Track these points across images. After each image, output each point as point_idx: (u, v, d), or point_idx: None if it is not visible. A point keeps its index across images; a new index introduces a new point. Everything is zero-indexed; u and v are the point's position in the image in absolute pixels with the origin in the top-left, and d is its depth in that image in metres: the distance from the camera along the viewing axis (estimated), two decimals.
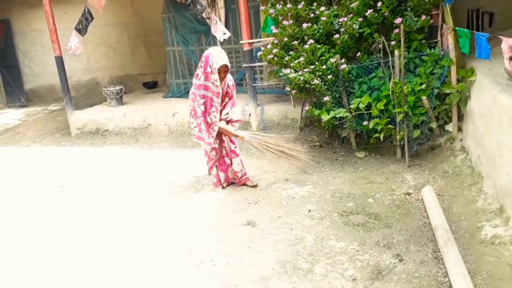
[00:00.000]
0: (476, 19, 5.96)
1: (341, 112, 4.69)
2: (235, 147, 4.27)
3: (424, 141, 4.66)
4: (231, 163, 4.27)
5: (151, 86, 9.13)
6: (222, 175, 4.29)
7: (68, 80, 7.16)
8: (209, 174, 4.38)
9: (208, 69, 3.81)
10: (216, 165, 4.25)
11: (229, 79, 4.08)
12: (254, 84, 6.04)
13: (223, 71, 3.83)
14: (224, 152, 4.25)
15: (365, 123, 4.63)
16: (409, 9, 4.64)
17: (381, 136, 4.54)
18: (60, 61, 6.94)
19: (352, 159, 4.85)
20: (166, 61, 7.93)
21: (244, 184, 4.32)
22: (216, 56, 3.79)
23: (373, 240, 3.15)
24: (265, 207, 3.83)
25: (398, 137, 4.54)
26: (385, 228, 3.31)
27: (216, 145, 4.14)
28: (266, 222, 3.54)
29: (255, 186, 4.28)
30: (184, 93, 7.79)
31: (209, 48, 3.99)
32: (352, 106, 4.69)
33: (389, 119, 4.54)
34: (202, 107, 3.91)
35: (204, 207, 3.98)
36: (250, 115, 6.09)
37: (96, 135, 6.95)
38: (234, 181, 4.38)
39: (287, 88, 5.25)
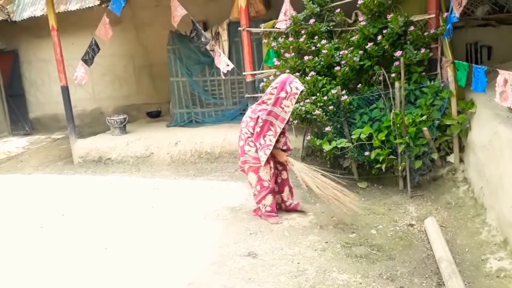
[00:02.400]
0: (475, 52, 6.07)
1: (342, 142, 4.72)
2: (287, 179, 4.25)
3: (426, 172, 4.65)
4: (280, 191, 4.26)
5: (154, 115, 9.23)
6: (270, 199, 4.13)
7: (72, 109, 7.26)
8: (257, 205, 4.20)
9: (283, 94, 3.81)
10: (271, 194, 4.11)
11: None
12: None
13: (294, 97, 3.83)
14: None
15: (366, 153, 4.64)
16: (408, 42, 4.75)
17: (383, 166, 4.55)
18: (65, 91, 7.06)
19: (354, 190, 4.82)
20: (170, 91, 8.06)
21: (295, 210, 4.28)
22: (295, 81, 3.83)
23: (376, 272, 3.10)
24: (266, 238, 3.79)
25: (400, 168, 4.54)
26: (388, 260, 3.26)
27: (269, 172, 4.03)
28: (267, 253, 3.50)
29: (303, 211, 4.24)
30: (187, 122, 7.88)
31: (282, 75, 4.06)
32: (353, 137, 4.72)
33: (390, 150, 4.55)
34: (258, 129, 3.92)
35: (204, 237, 3.94)
36: None
37: (99, 164, 6.97)
38: (280, 208, 4.30)
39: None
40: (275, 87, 3.88)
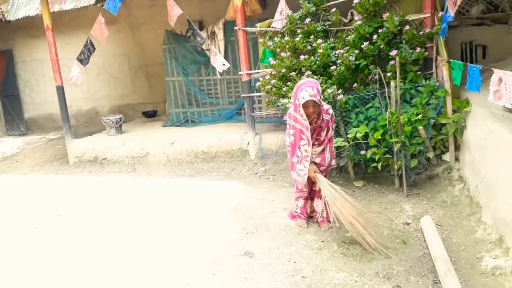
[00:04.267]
0: (470, 51, 6.10)
1: (338, 142, 4.72)
2: (319, 191, 3.87)
3: (421, 170, 4.67)
4: (312, 200, 4.01)
5: (150, 115, 9.22)
6: (301, 203, 3.98)
7: (68, 109, 7.22)
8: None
9: (296, 101, 3.56)
10: (303, 199, 3.97)
11: (326, 112, 3.66)
12: (252, 114, 6.10)
13: (311, 105, 3.49)
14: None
15: (362, 152, 4.66)
16: (404, 41, 4.77)
17: (379, 165, 4.56)
18: (61, 91, 7.02)
19: (351, 188, 4.84)
20: (166, 90, 8.04)
21: (320, 223, 3.93)
22: (305, 90, 3.44)
23: (373, 271, 3.11)
24: (263, 237, 3.79)
25: (395, 167, 4.56)
26: (385, 259, 3.27)
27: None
28: (264, 253, 3.50)
29: (328, 228, 3.84)
30: (183, 122, 7.87)
31: (304, 79, 3.88)
32: (349, 136, 4.73)
33: (386, 149, 4.57)
34: (292, 138, 3.70)
35: (201, 236, 3.94)
36: (248, 144, 6.12)
37: (94, 164, 6.95)
38: (311, 216, 4.05)
39: (285, 118, 5.30)
40: (294, 91, 3.66)
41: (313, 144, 3.67)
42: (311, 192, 4.02)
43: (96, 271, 3.45)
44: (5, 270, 3.61)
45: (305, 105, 3.49)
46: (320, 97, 3.53)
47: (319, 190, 3.81)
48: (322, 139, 3.72)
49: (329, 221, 3.78)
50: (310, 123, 3.59)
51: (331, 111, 3.72)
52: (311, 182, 3.91)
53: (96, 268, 3.51)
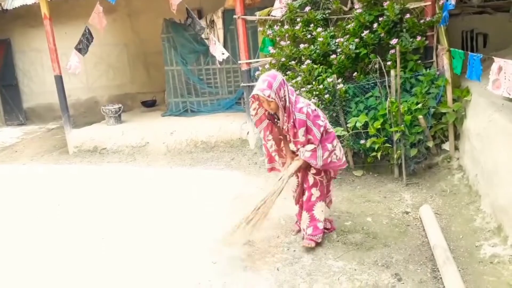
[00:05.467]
0: (470, 40, 6.06)
1: (338, 131, 4.71)
2: (306, 201, 3.40)
3: (421, 160, 4.67)
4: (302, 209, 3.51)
5: (149, 104, 9.19)
6: (297, 208, 3.60)
7: (67, 99, 7.20)
8: None
9: None
10: (296, 203, 3.60)
11: (299, 111, 3.12)
12: None
13: (265, 101, 3.08)
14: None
15: (362, 141, 4.65)
16: (404, 30, 4.73)
17: (379, 154, 4.56)
18: (59, 80, 6.99)
19: (350, 178, 4.85)
20: (165, 80, 8.01)
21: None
22: (257, 84, 3.12)
23: (372, 259, 3.13)
24: (263, 226, 3.79)
25: (395, 156, 4.56)
26: (384, 247, 3.29)
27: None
28: (263, 241, 3.51)
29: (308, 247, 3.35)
30: (182, 112, 7.85)
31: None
32: (349, 125, 4.73)
33: (386, 138, 4.56)
34: (260, 131, 3.45)
35: (201, 225, 3.95)
36: (248, 133, 6.12)
37: (94, 154, 6.95)
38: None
39: None
40: None
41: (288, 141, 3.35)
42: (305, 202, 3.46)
43: (97, 260, 3.47)
44: (6, 260, 3.63)
45: (261, 99, 3.15)
46: (277, 93, 3.02)
47: (307, 200, 3.38)
48: (300, 140, 3.17)
49: (311, 240, 3.33)
50: (282, 126, 3.21)
51: (306, 109, 3.12)
52: (301, 188, 3.47)
53: (96, 256, 3.53)
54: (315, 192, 3.35)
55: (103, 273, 3.26)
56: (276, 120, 3.29)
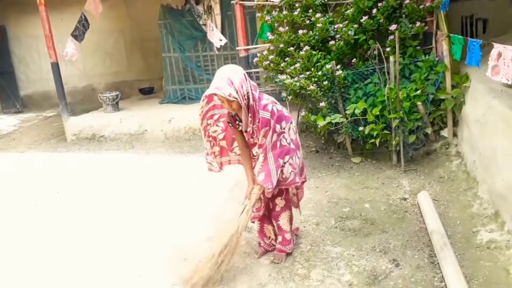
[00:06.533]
0: (470, 25, 6.02)
1: (337, 118, 4.71)
2: (270, 211, 3.07)
3: (419, 146, 4.68)
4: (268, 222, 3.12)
5: (147, 92, 9.14)
6: (256, 225, 3.17)
7: (63, 86, 7.15)
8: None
9: None
10: (258, 218, 3.10)
11: (264, 108, 2.65)
12: None
13: (225, 100, 2.59)
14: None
15: (360, 128, 4.65)
16: (403, 16, 4.68)
17: (377, 141, 4.56)
18: (56, 68, 6.93)
19: (348, 165, 4.86)
20: (162, 67, 7.95)
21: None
22: (213, 80, 2.61)
23: (370, 245, 3.15)
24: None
25: (393, 143, 4.56)
26: (382, 233, 3.31)
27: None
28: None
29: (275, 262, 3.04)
30: (180, 99, 7.81)
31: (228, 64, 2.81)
32: (347, 112, 4.71)
33: (384, 125, 4.56)
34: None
35: (200, 212, 3.97)
36: None
37: (92, 141, 6.93)
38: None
39: (283, 94, 5.27)
40: None
41: (251, 144, 2.87)
42: (270, 211, 3.09)
43: (95, 247, 3.48)
44: (5, 247, 3.64)
45: (219, 99, 2.68)
46: (239, 91, 2.53)
47: (271, 210, 3.05)
48: (260, 143, 2.73)
49: (281, 251, 3.05)
50: (245, 129, 2.72)
51: (271, 106, 2.65)
52: (267, 198, 2.97)
53: (95, 243, 3.54)
54: (280, 202, 2.99)
55: (102, 260, 3.27)
56: (237, 122, 2.74)
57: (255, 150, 2.82)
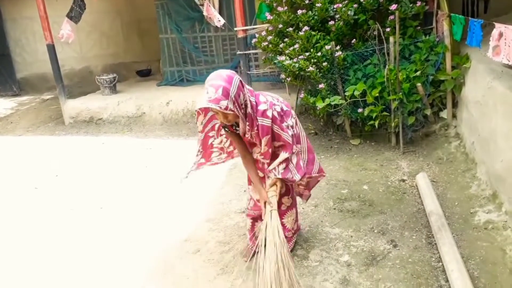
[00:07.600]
0: (471, 5, 5.93)
1: (336, 100, 4.68)
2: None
3: (418, 128, 4.67)
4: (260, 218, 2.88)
5: (144, 74, 9.06)
6: (248, 223, 3.00)
7: (60, 69, 7.07)
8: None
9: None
10: (252, 217, 2.95)
11: (262, 115, 2.42)
12: (249, 72, 5.99)
13: (221, 113, 2.32)
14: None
15: (360, 110, 4.63)
16: None
17: (376, 123, 4.55)
18: (51, 49, 6.84)
19: (347, 147, 4.86)
20: (159, 48, 7.86)
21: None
22: (206, 91, 2.25)
23: (368, 226, 3.18)
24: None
25: (393, 124, 4.55)
26: (380, 215, 3.33)
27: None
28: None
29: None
30: (178, 81, 7.74)
31: (217, 71, 2.37)
32: (347, 94, 4.68)
33: (384, 106, 4.54)
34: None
35: (199, 195, 3.98)
36: None
37: (90, 124, 6.90)
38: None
39: (282, 76, 5.23)
40: None
41: (251, 144, 2.67)
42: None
43: (96, 229, 3.51)
44: (5, 231, 3.66)
45: (213, 111, 2.47)
46: (236, 102, 2.26)
47: (288, 208, 2.84)
48: (263, 151, 2.54)
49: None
50: (243, 135, 2.51)
51: (271, 112, 2.43)
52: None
53: (95, 226, 3.57)
54: (286, 201, 2.79)
55: (102, 241, 3.30)
56: (234, 126, 2.53)
57: (255, 152, 2.66)
